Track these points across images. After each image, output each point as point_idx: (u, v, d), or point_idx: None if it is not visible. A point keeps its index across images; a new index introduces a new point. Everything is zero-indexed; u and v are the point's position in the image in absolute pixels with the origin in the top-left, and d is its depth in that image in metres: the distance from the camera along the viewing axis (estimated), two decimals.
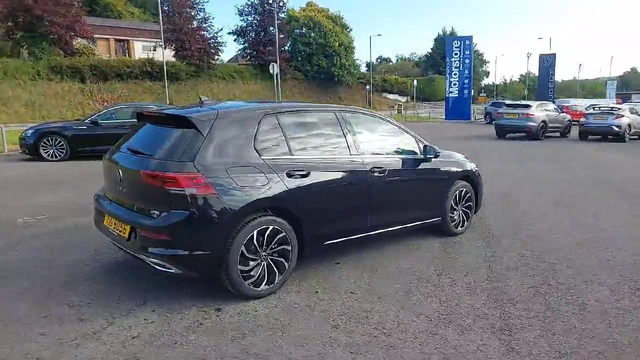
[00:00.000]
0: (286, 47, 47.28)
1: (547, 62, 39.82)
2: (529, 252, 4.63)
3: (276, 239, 3.55)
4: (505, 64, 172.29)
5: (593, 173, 9.95)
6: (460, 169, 5.24)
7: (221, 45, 39.66)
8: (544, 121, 18.46)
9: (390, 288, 3.76)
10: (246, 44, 44.46)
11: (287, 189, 3.58)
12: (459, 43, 31.99)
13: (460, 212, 5.22)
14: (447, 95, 32.39)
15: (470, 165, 5.42)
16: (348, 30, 51.25)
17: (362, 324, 3.15)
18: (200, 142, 3.33)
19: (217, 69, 40.35)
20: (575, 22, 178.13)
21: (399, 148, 4.70)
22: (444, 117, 33.03)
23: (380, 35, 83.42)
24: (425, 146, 4.75)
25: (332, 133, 4.14)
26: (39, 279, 3.94)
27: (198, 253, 3.24)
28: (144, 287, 3.75)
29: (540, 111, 18.70)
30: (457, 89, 32.03)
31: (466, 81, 32.10)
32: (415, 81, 51.90)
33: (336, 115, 4.22)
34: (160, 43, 32.79)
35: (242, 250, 3.36)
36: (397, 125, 4.86)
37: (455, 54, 31.82)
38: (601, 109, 18.52)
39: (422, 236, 5.05)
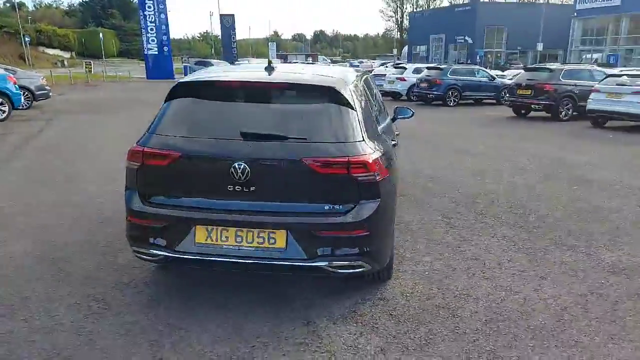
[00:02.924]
0: None
1: (228, 23, 43.19)
2: (489, 205, 6.01)
3: None
4: (185, 21, 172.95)
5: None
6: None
7: None
8: None
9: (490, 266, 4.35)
10: None
11: (396, 161, 3.57)
12: None
13: None
14: (146, 53, 30.72)
15: None
16: None
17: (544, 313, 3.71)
18: (355, 117, 2.88)
19: None
20: None
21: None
22: (145, 76, 31.39)
23: None
24: (396, 108, 5.24)
25: (371, 98, 4.17)
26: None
27: (385, 242, 2.98)
28: (262, 305, 3.04)
29: None
30: (156, 45, 30.79)
31: (164, 37, 31.27)
32: (101, 34, 46.14)
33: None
34: None
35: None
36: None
37: (149, 7, 30.21)
38: None
39: None
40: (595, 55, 38.98)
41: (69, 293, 3.21)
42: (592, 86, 12.91)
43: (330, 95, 2.89)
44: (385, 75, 21.50)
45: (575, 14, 40.13)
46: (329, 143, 2.74)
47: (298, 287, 3.31)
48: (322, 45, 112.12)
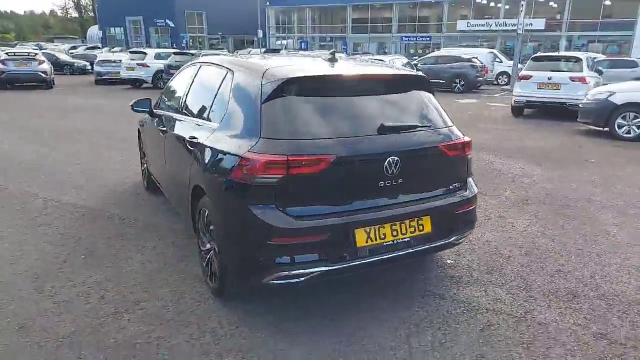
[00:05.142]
0: None
1: None
2: None
3: None
4: None
5: None
6: None
7: None
8: None
9: None
10: None
11: None
12: None
13: None
14: None
15: None
16: None
17: None
18: (438, 104, 3.21)
19: None
20: None
21: None
22: None
23: None
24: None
25: None
26: None
27: None
28: (381, 299, 3.07)
29: None
30: None
31: None
32: None
33: None
34: None
35: None
36: None
37: None
38: (18, 54, 18.15)
39: None
40: (286, 41, 45.16)
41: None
42: None
43: (423, 83, 3.20)
44: (115, 61, 20.00)
45: (268, 3, 45.23)
46: (442, 128, 3.06)
47: (369, 274, 3.33)
48: None
